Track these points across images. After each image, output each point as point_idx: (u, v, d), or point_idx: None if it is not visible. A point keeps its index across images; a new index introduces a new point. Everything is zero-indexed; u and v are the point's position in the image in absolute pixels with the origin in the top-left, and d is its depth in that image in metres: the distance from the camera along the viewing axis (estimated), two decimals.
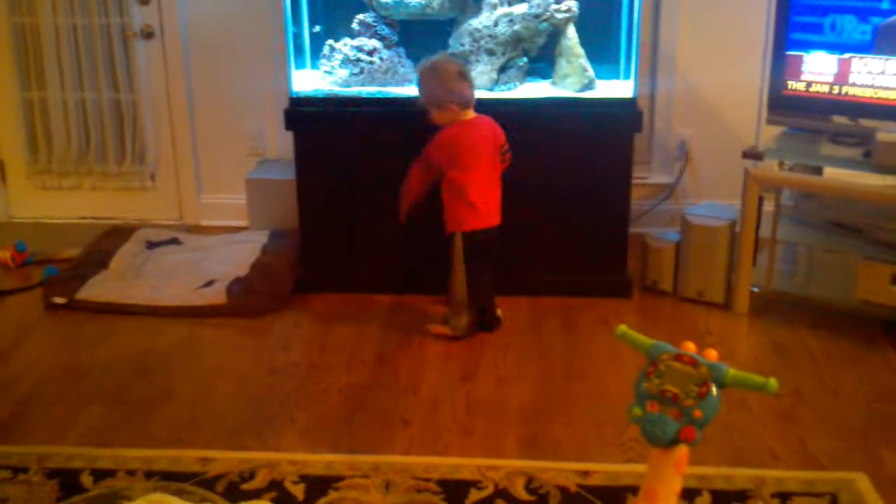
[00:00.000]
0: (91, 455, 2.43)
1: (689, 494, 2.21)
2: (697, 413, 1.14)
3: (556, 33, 3.27)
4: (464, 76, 2.95)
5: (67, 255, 3.69)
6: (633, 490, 2.20)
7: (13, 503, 2.25)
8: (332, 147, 3.31)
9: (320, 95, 3.32)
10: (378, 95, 3.30)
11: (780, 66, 3.09)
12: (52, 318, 3.26)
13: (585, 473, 2.32)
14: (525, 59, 3.34)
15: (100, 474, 2.35)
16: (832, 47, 2.98)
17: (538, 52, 3.35)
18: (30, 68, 4.00)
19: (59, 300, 3.30)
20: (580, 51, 3.25)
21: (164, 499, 1.93)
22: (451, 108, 2.91)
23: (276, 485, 2.29)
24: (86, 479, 2.33)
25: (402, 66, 3.38)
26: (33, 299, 3.38)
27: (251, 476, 2.33)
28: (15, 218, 4.20)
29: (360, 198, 3.33)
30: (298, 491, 2.27)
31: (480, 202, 2.95)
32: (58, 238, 3.92)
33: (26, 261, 3.68)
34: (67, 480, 2.32)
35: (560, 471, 2.33)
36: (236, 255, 3.52)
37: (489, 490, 2.26)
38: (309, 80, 3.38)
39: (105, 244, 3.68)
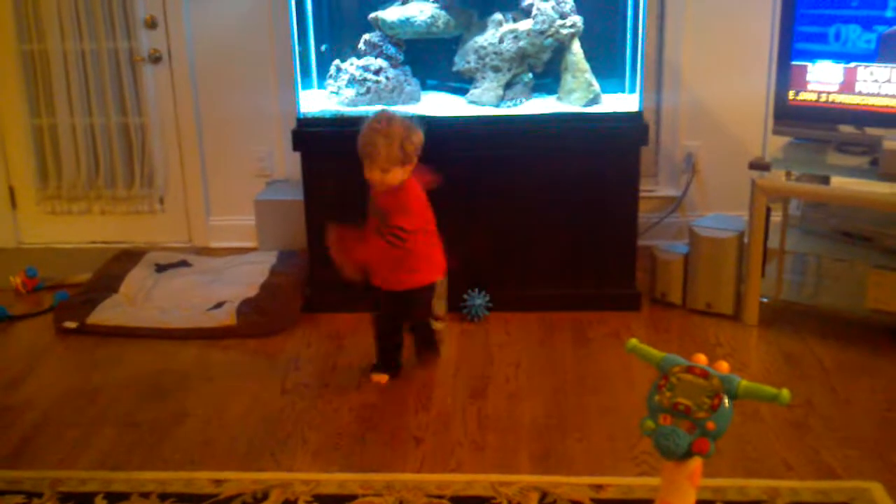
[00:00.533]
0: (105, 478, 2.44)
1: None
2: (710, 425, 1.14)
3: (561, 49, 3.29)
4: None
5: (78, 280, 3.70)
6: (648, 503, 2.20)
7: None
8: (339, 167, 3.29)
9: (327, 116, 3.34)
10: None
11: (786, 76, 3.10)
12: (63, 343, 3.28)
13: (599, 487, 2.31)
14: (531, 75, 3.36)
15: (114, 497, 2.35)
16: (837, 56, 2.99)
17: (544, 68, 3.37)
18: (39, 94, 4.03)
19: (70, 325, 3.32)
20: (585, 66, 3.27)
21: None
22: (412, 163, 2.71)
23: None
24: (100, 503, 2.33)
25: (408, 85, 3.40)
26: (44, 324, 3.40)
27: (265, 496, 2.33)
28: (25, 244, 4.23)
29: (366, 216, 3.33)
30: None
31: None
32: (68, 263, 3.94)
33: (37, 286, 3.70)
34: None
35: (574, 485, 2.32)
36: (245, 276, 3.53)
37: None
38: (316, 101, 3.40)
39: (115, 268, 3.70)
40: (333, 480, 2.39)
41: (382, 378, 2.91)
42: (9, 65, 4.01)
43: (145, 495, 2.35)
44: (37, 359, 3.16)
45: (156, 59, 3.93)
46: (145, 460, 2.53)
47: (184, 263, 3.78)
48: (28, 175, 4.15)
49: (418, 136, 2.67)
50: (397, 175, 2.68)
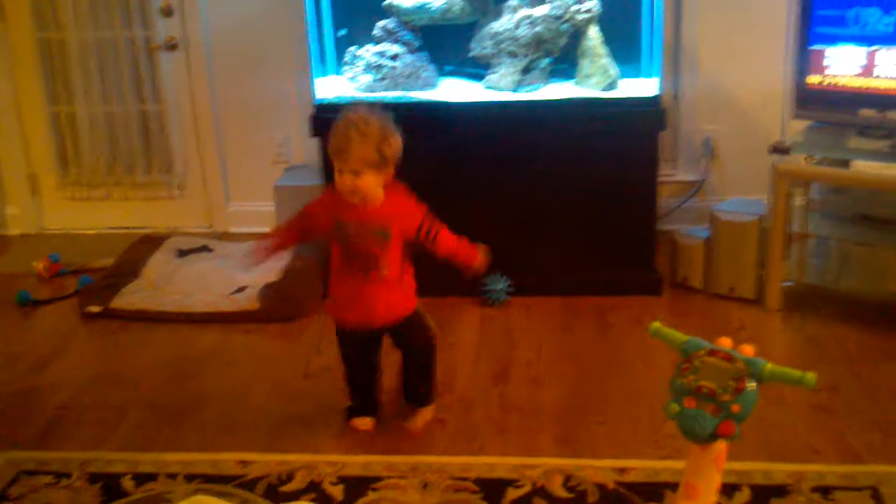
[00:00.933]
0: (131, 459, 2.46)
1: (728, 490, 2.20)
2: (735, 408, 1.14)
3: (577, 34, 3.28)
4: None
5: (100, 265, 3.73)
6: (672, 486, 2.21)
7: None
8: None
9: (344, 101, 3.34)
10: (401, 100, 3.32)
11: (805, 60, 3.09)
12: (87, 327, 3.30)
13: (623, 470, 2.32)
14: (548, 61, 3.35)
15: (141, 478, 2.38)
16: (856, 40, 2.97)
17: (561, 53, 3.36)
18: (57, 82, 4.05)
19: (94, 309, 3.34)
20: (603, 50, 3.26)
21: (206, 500, 1.96)
22: (388, 171, 2.33)
23: (314, 486, 2.31)
24: (127, 484, 2.36)
25: (424, 71, 3.40)
26: (68, 309, 3.43)
27: (290, 478, 2.35)
28: (47, 229, 4.25)
29: None
30: (337, 492, 2.28)
31: None
32: (90, 248, 3.97)
33: (60, 271, 3.73)
34: (109, 485, 2.35)
35: (597, 468, 2.33)
36: (271, 261, 3.53)
37: (527, 488, 2.27)
38: (333, 87, 3.41)
39: (137, 253, 3.72)
40: (358, 462, 2.41)
41: (367, 424, 2.57)
42: (27, 53, 4.02)
43: (172, 476, 2.37)
44: (62, 342, 3.19)
45: (172, 47, 3.94)
46: (170, 442, 2.55)
47: (205, 248, 3.80)
48: (48, 162, 4.17)
49: (397, 141, 2.30)
50: (369, 182, 2.28)
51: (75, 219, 4.22)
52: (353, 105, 2.37)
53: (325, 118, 3.30)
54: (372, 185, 2.30)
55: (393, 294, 2.42)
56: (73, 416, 2.72)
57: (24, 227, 4.23)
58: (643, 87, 3.31)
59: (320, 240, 2.51)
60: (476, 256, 2.49)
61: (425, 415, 2.57)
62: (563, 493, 2.25)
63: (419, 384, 2.58)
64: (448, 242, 2.45)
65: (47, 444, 2.57)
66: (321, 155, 3.34)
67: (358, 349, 2.54)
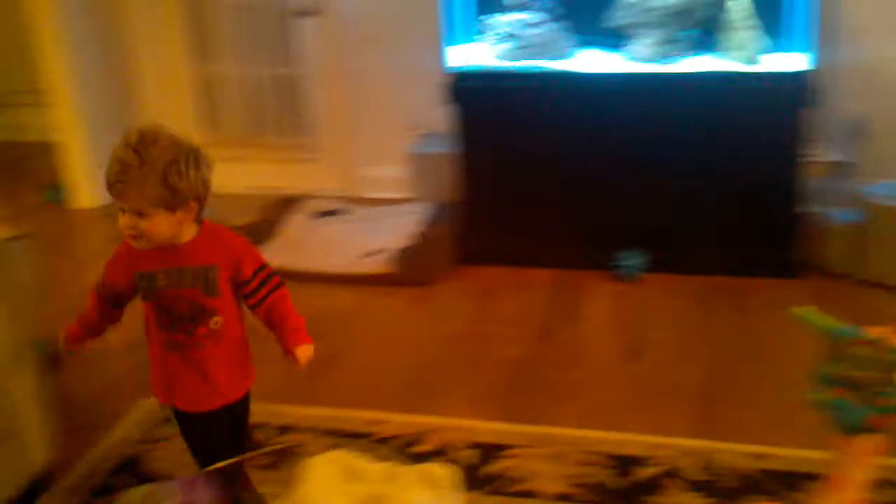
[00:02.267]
0: (267, 411, 2.53)
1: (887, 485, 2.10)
2: (887, 401, 1.09)
3: (723, 4, 3.15)
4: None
5: (239, 224, 3.84)
6: (812, 477, 2.12)
7: (187, 457, 2.35)
8: (493, 120, 3.31)
9: (482, 69, 3.33)
10: (539, 69, 3.28)
11: None
12: None
13: (761, 456, 2.25)
14: (691, 32, 3.23)
15: (279, 430, 2.45)
16: None
17: (705, 24, 3.24)
18: (202, 44, 4.18)
19: None
20: (749, 22, 3.13)
21: (344, 455, 2.00)
22: (193, 206, 1.76)
23: (445, 449, 2.33)
24: (265, 434, 2.43)
25: (562, 40, 3.35)
26: None
27: (421, 440, 2.37)
28: None
29: (522, 170, 3.33)
30: (468, 456, 2.29)
31: None
32: (229, 208, 4.09)
33: None
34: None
35: (735, 452, 2.27)
36: (401, 226, 3.59)
37: (659, 467, 2.23)
38: (470, 55, 3.40)
39: (274, 214, 3.83)
40: (489, 429, 2.41)
41: None
42: (174, 16, 4.17)
43: (308, 429, 2.44)
44: None
45: (312, 13, 4.01)
46: (305, 397, 2.61)
47: (340, 212, 3.88)
48: (192, 122, 4.32)
49: (198, 172, 1.73)
50: (161, 226, 1.71)
51: (216, 178, 4.34)
52: (140, 128, 1.73)
53: (462, 86, 3.32)
54: (165, 230, 1.73)
55: (233, 355, 1.89)
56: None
57: None
58: (790, 61, 3.16)
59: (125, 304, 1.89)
60: (305, 342, 1.89)
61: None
62: (697, 476, 2.19)
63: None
64: (286, 305, 1.90)
65: None
66: (456, 123, 3.35)
67: (202, 434, 1.92)
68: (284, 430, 2.45)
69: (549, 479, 2.21)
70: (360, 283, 3.30)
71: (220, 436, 1.90)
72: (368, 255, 3.43)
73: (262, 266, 1.88)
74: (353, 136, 4.14)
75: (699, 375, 2.66)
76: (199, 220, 1.81)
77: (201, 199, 1.76)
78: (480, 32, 3.42)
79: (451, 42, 3.38)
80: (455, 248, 3.43)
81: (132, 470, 2.33)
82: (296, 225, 3.73)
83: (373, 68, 4.02)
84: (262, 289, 1.86)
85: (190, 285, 1.78)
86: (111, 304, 1.88)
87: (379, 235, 3.56)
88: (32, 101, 4.53)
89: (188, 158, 1.71)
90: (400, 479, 1.84)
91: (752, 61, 3.15)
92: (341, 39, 4.01)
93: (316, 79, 4.12)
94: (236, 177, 4.31)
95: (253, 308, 1.87)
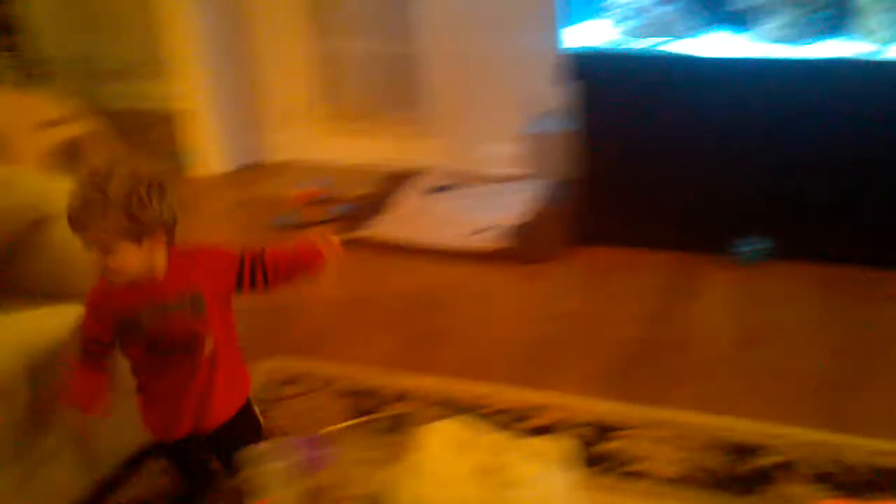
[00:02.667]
0: (381, 380, 2.56)
1: None
2: None
3: None
4: None
5: (353, 196, 3.90)
6: None
7: (304, 418, 2.42)
8: (616, 101, 3.24)
9: (606, 49, 3.27)
10: (665, 51, 3.19)
11: None
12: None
13: (890, 453, 2.15)
14: (823, 14, 3.09)
15: (386, 398, 2.48)
16: None
17: (836, 6, 3.09)
18: (322, 19, 4.23)
19: (346, 237, 3.50)
20: (883, 5, 2.96)
21: (459, 425, 2.00)
22: (160, 236, 1.72)
23: (556, 426, 2.31)
24: (378, 400, 2.46)
25: (686, 19, 3.25)
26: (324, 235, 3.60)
27: (532, 415, 2.36)
28: (306, 159, 4.48)
29: (643, 151, 3.25)
30: (579, 434, 2.26)
31: None
32: (345, 179, 4.16)
33: (316, 199, 3.93)
34: (359, 401, 2.47)
35: (860, 447, 2.17)
36: (513, 204, 3.58)
37: (779, 457, 2.16)
38: (591, 32, 3.34)
39: (387, 188, 3.87)
40: (602, 409, 2.38)
41: None
42: None
43: (419, 398, 2.46)
44: None
45: None
46: (414, 367, 2.63)
47: (452, 187, 3.89)
48: (311, 94, 4.39)
49: (161, 201, 1.68)
50: (130, 259, 1.68)
51: (334, 150, 4.43)
52: (96, 166, 1.71)
53: (584, 64, 3.27)
54: (134, 262, 1.69)
55: (231, 370, 1.86)
56: (327, 335, 2.88)
57: (286, 154, 4.48)
58: None
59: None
60: (320, 250, 1.88)
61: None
62: (819, 468, 2.11)
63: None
64: (283, 253, 1.86)
65: (301, 359, 2.72)
66: (576, 101, 3.29)
67: (181, 459, 1.95)
68: (398, 398, 2.47)
69: (662, 461, 2.17)
70: (472, 259, 3.30)
71: (239, 436, 1.87)
72: (480, 231, 3.43)
73: (241, 255, 1.82)
74: (467, 112, 4.13)
75: (821, 366, 2.56)
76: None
77: (169, 228, 1.72)
78: (603, 9, 3.35)
79: (569, 20, 3.32)
80: (570, 228, 3.39)
81: None
82: (409, 199, 3.76)
83: (488, 46, 3.99)
84: (256, 264, 1.81)
85: (176, 314, 1.75)
86: (105, 358, 1.80)
87: (491, 212, 3.55)
88: (153, 72, 4.69)
89: (150, 188, 1.67)
90: (514, 452, 1.83)
91: (885, 45, 2.99)
92: (457, 17, 3.99)
93: (432, 55, 4.11)
94: (353, 150, 4.38)
95: (267, 280, 1.83)
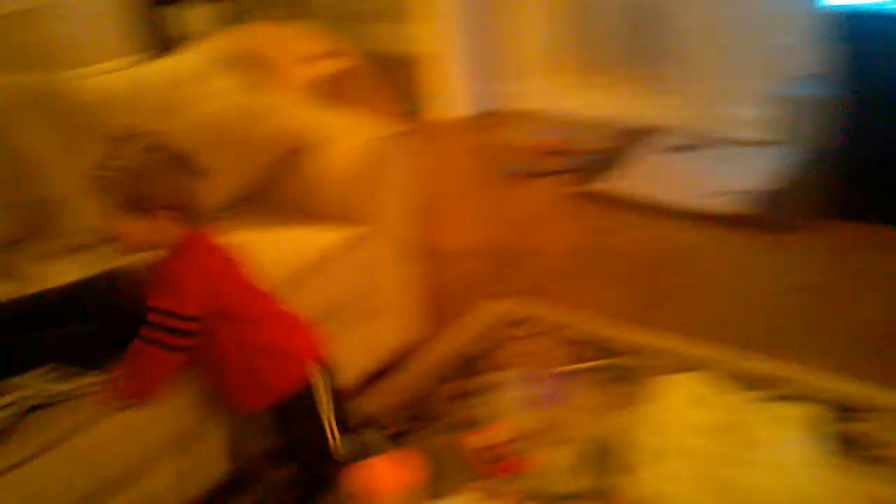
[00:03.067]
0: (608, 332, 2.55)
1: None
2: None
3: None
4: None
5: (591, 149, 3.87)
6: None
7: (531, 360, 2.43)
8: (887, 66, 3.00)
9: (878, 8, 3.02)
10: None
11: None
12: (570, 205, 3.47)
13: None
14: None
15: (618, 349, 2.46)
16: None
17: None
18: None
19: (580, 189, 3.50)
20: None
21: (697, 380, 1.97)
22: (161, 215, 1.69)
23: (793, 399, 2.20)
24: (601, 352, 2.45)
25: None
26: (555, 185, 3.62)
27: (767, 386, 2.26)
28: (545, 109, 4.48)
29: None
30: (827, 410, 2.15)
31: None
32: (582, 132, 4.13)
33: (554, 149, 3.94)
34: (585, 349, 2.47)
35: None
36: (759, 169, 3.43)
37: None
38: None
39: (626, 142, 3.81)
40: (847, 388, 2.25)
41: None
42: None
43: (648, 354, 2.42)
44: (549, 214, 3.40)
45: None
46: (644, 323, 2.60)
47: (694, 147, 3.77)
48: (554, 45, 4.37)
49: (171, 179, 1.66)
50: (132, 230, 1.67)
51: (573, 102, 4.40)
52: (120, 130, 1.69)
53: (850, 25, 3.03)
54: (138, 236, 1.68)
55: (254, 367, 1.80)
56: (558, 282, 2.90)
57: (526, 103, 4.51)
58: None
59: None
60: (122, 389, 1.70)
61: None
62: None
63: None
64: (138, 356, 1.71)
65: (531, 301, 2.76)
66: (843, 65, 3.07)
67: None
68: (628, 351, 2.45)
69: None
70: (711, 222, 3.19)
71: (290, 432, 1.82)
72: (720, 194, 3.31)
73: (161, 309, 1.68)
74: (713, 71, 3.97)
75: None
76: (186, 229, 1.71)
77: (177, 209, 1.67)
78: None
79: None
80: (823, 199, 3.19)
81: (476, 366, 2.46)
82: (647, 156, 3.69)
83: (740, 2, 3.81)
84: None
85: None
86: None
87: (732, 176, 3.42)
88: (399, 16, 4.83)
89: (164, 164, 1.65)
90: (755, 413, 1.77)
91: None
92: None
93: (681, 9, 3.98)
94: (593, 103, 4.34)
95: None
